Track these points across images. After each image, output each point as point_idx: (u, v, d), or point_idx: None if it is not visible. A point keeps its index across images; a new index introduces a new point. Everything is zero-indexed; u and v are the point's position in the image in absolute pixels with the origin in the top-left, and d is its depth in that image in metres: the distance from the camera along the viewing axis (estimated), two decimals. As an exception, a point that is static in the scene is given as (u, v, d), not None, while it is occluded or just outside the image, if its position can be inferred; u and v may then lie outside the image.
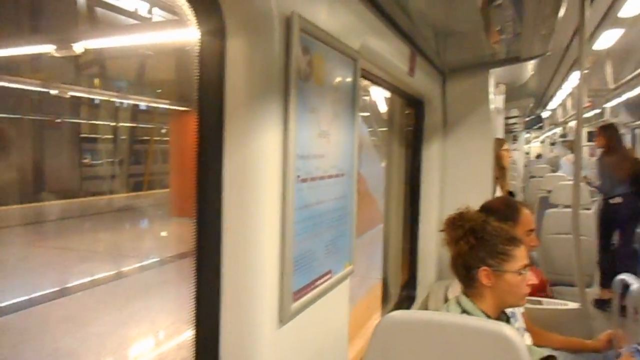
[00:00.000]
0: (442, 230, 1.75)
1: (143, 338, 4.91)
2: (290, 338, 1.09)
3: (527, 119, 8.88)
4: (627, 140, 9.82)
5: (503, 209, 2.20)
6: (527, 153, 16.89)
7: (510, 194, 4.25)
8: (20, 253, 8.43)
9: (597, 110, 9.28)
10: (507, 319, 1.82)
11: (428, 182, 2.68)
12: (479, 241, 1.69)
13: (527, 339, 2.16)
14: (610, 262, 4.41)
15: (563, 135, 12.30)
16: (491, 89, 2.75)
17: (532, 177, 8.34)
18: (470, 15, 2.08)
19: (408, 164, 2.74)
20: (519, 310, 2.14)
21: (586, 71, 5.15)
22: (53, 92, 9.94)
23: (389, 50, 1.64)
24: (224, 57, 0.95)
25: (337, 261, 1.32)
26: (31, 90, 11.06)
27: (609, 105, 8.30)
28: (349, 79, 1.31)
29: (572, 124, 11.41)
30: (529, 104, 7.31)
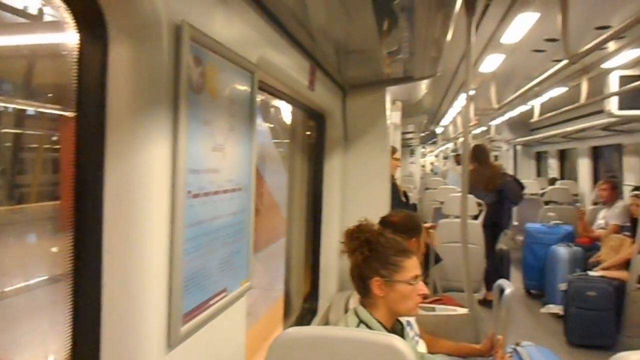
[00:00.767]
0: (342, 242, 1.80)
1: (27, 367, 4.44)
2: (181, 363, 1.03)
3: (423, 134, 9.43)
4: (510, 155, 10.77)
5: (401, 224, 2.30)
6: (423, 166, 17.89)
7: (414, 207, 4.50)
8: None
9: (484, 128, 10.07)
10: (402, 327, 1.88)
11: (330, 194, 2.72)
12: (373, 252, 1.75)
13: (422, 346, 2.24)
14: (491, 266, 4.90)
15: (454, 150, 13.21)
16: (388, 105, 2.86)
17: (427, 189, 8.82)
18: (368, 35, 2.15)
19: (311, 176, 2.77)
20: (414, 318, 2.23)
21: (472, 92, 5.57)
22: None
23: (288, 64, 1.64)
24: (106, 64, 0.89)
25: (233, 278, 1.28)
26: None
27: (493, 123, 9.04)
28: (246, 92, 1.28)
29: (461, 140, 12.30)
30: (423, 120, 7.75)
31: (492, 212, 5.09)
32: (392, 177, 3.84)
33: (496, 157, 11.67)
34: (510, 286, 2.76)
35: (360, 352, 1.13)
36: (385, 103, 2.78)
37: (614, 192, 5.80)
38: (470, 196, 4.86)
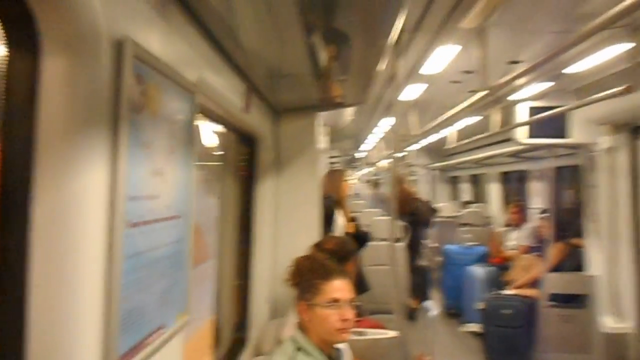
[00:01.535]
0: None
1: None
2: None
3: (347, 158, 9.66)
4: (426, 179, 11.25)
5: (336, 250, 2.30)
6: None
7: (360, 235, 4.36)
8: None
9: (404, 153, 10.47)
10: (338, 354, 1.86)
11: (262, 219, 2.67)
12: (301, 277, 1.76)
13: (355, 373, 2.23)
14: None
15: (375, 174, 13.60)
16: (319, 130, 2.88)
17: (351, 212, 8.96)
18: (300, 60, 2.16)
19: (242, 200, 2.70)
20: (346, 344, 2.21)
21: (394, 119, 5.78)
22: None
23: (225, 85, 1.60)
24: (38, 78, 0.79)
25: (171, 313, 1.19)
26: None
27: (411, 148, 9.43)
28: (185, 113, 1.22)
29: (381, 164, 12.70)
30: (348, 145, 7.93)
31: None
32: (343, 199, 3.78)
33: (413, 181, 12.16)
34: (436, 308, 2.85)
35: None
36: (316, 128, 2.79)
37: (523, 214, 6.23)
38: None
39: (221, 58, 1.52)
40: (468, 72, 3.75)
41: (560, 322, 4.63)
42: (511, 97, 4.35)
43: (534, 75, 3.00)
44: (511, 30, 2.93)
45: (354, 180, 21.51)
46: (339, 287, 1.71)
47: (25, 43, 0.78)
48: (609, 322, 4.42)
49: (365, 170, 15.20)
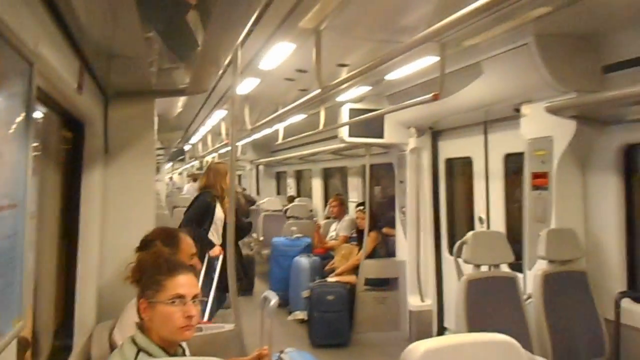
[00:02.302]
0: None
1: None
2: None
3: (173, 150, 9.27)
4: (253, 174, 11.41)
5: (163, 238, 2.21)
6: (168, 184, 17.49)
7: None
8: None
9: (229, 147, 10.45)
10: (183, 351, 1.80)
11: (88, 214, 2.41)
12: (142, 274, 1.67)
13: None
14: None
15: (200, 168, 13.30)
16: (155, 118, 2.73)
17: (175, 207, 8.66)
18: (134, 41, 2.02)
19: (66, 192, 2.41)
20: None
21: (226, 112, 5.75)
22: None
23: (61, 61, 1.41)
24: None
25: (4, 319, 1.02)
26: None
27: (240, 143, 9.47)
28: (23, 86, 1.05)
29: (209, 158, 12.48)
30: (178, 137, 7.62)
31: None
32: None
33: (239, 176, 12.22)
34: (275, 297, 2.92)
35: None
36: (153, 116, 2.64)
37: (342, 207, 6.74)
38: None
39: (58, 28, 1.34)
40: (301, 70, 3.91)
41: (374, 303, 5.15)
42: (338, 98, 4.67)
43: (360, 79, 3.26)
44: (341, 35, 3.13)
45: (177, 174, 20.82)
46: (184, 283, 1.62)
47: None
48: (414, 301, 5.06)
49: (191, 164, 14.81)
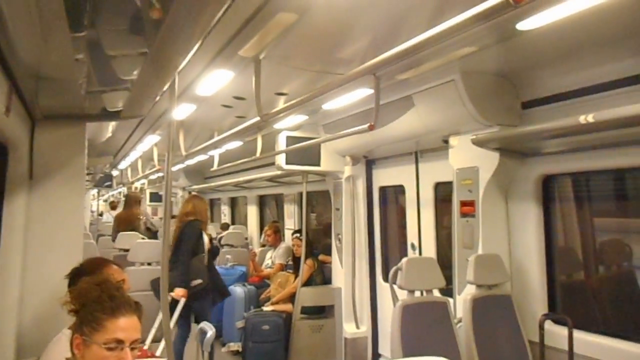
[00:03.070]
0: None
1: None
2: None
3: (100, 176, 8.86)
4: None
5: (92, 268, 2.12)
6: (93, 211, 16.63)
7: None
8: None
9: (161, 174, 10.16)
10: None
11: (10, 243, 2.25)
12: (82, 307, 1.56)
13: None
14: None
15: (125, 196, 12.79)
16: (85, 142, 2.61)
17: (101, 235, 8.28)
18: (65, 62, 1.95)
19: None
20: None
21: (159, 137, 5.61)
22: None
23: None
24: None
25: None
26: None
27: (173, 169, 9.24)
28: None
29: (138, 184, 12.04)
30: (106, 162, 7.31)
31: None
32: None
33: (172, 202, 11.85)
34: (212, 329, 2.85)
35: None
36: (84, 140, 2.53)
37: (278, 235, 6.72)
38: (159, 242, 4.81)
39: None
40: (239, 98, 3.92)
41: (310, 332, 5.13)
42: (275, 126, 4.70)
43: (298, 108, 3.32)
44: (279, 64, 3.19)
45: (102, 201, 19.87)
46: (125, 326, 1.52)
47: None
48: (349, 329, 5.08)
49: (118, 190, 14.22)
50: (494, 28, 2.35)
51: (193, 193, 7.59)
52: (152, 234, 7.44)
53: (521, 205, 3.42)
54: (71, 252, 2.46)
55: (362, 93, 3.48)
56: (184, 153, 5.05)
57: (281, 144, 4.98)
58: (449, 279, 3.49)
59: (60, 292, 2.11)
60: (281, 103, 3.97)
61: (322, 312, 5.22)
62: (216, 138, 4.72)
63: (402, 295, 3.28)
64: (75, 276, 2.08)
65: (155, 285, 4.09)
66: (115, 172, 9.68)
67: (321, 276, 5.43)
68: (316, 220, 7.35)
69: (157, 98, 2.48)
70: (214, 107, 4.23)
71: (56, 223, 2.45)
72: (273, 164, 5.49)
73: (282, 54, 2.97)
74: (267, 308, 5.23)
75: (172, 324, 3.90)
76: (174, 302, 4.03)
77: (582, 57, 2.71)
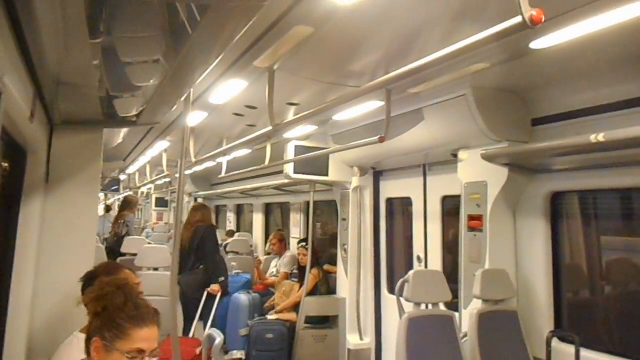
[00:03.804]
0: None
1: None
2: None
3: (107, 180, 8.94)
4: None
5: (106, 273, 2.14)
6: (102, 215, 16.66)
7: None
8: None
9: (168, 179, 10.21)
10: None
11: (25, 245, 2.28)
12: (103, 309, 1.58)
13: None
14: None
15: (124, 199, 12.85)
16: (102, 148, 2.66)
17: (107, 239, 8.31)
18: (84, 68, 2.00)
19: (1, 223, 2.27)
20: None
21: (168, 144, 5.66)
22: None
23: (18, 87, 1.37)
24: None
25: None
26: None
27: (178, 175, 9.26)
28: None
29: (144, 189, 12.11)
30: (116, 167, 7.37)
31: None
32: None
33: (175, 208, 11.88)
34: (220, 336, 2.87)
35: None
36: (101, 146, 2.57)
37: (283, 244, 6.73)
38: (166, 247, 4.84)
39: (20, 54, 1.30)
40: (250, 107, 3.96)
41: (314, 342, 5.12)
42: (285, 135, 4.74)
43: (310, 119, 3.36)
44: (292, 75, 3.23)
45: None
46: (148, 337, 1.55)
47: None
48: (353, 340, 5.08)
49: (124, 195, 14.28)
50: (507, 46, 2.39)
51: (199, 201, 7.66)
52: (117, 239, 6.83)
53: (529, 221, 3.43)
54: (84, 255, 2.49)
55: (372, 105, 3.52)
56: (193, 159, 5.10)
57: (290, 153, 5.01)
58: (454, 292, 3.49)
59: (72, 295, 2.15)
60: (292, 113, 4.02)
61: (326, 322, 5.22)
62: (227, 146, 4.76)
63: (408, 307, 3.29)
64: (89, 280, 2.11)
65: (184, 285, 4.78)
66: (123, 177, 9.73)
67: (326, 286, 5.44)
68: (321, 229, 7.36)
69: (174, 108, 2.53)
70: (225, 115, 4.28)
71: (70, 227, 2.48)
72: (280, 172, 5.53)
73: (296, 65, 3.01)
74: (271, 317, 5.23)
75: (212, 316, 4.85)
76: (209, 298, 4.89)
77: (594, 76, 2.74)
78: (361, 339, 5.07)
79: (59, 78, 2.25)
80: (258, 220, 8.72)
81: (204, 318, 4.88)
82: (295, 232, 7.22)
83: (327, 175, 5.19)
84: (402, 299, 3.36)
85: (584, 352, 2.84)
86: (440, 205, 4.40)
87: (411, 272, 3.27)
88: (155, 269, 4.49)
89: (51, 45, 1.72)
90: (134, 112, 2.62)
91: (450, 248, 4.29)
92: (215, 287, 4.93)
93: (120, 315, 1.55)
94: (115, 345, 1.51)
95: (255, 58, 2.75)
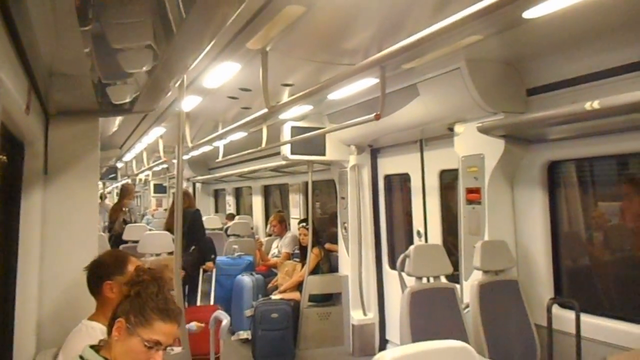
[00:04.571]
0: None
1: None
2: None
3: (105, 168, 8.93)
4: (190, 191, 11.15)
5: (112, 262, 2.16)
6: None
7: None
8: None
9: (165, 165, 10.20)
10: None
11: (27, 237, 2.29)
12: (136, 295, 1.63)
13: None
14: None
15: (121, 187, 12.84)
16: (98, 137, 2.65)
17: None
18: (76, 57, 1.98)
19: (3, 217, 2.27)
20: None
21: (164, 130, 5.64)
22: None
23: (13, 80, 1.37)
24: None
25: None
26: None
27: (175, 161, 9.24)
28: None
29: (142, 175, 12.09)
30: (113, 155, 7.36)
31: None
32: None
33: (173, 194, 11.89)
34: (227, 317, 2.91)
35: None
36: (97, 135, 2.57)
37: (283, 224, 6.77)
38: (167, 233, 4.87)
39: (14, 47, 1.30)
40: (245, 89, 3.94)
41: (318, 319, 5.20)
42: (281, 117, 4.73)
43: (305, 99, 3.35)
44: (285, 56, 3.21)
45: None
46: (168, 332, 1.60)
47: None
48: (357, 316, 5.16)
49: (122, 182, 14.27)
50: (500, 17, 2.37)
51: (184, 187, 7.76)
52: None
53: (527, 192, 3.46)
54: (87, 244, 2.51)
55: (367, 83, 3.50)
56: (190, 144, 5.09)
57: (286, 134, 5.01)
58: (454, 265, 3.54)
59: (77, 284, 2.17)
60: (286, 94, 4.00)
61: (329, 299, 5.29)
62: (223, 130, 4.75)
63: (410, 282, 3.33)
64: (95, 268, 2.12)
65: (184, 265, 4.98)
66: (120, 164, 9.72)
67: (328, 264, 5.49)
68: (321, 209, 7.40)
69: (169, 93, 2.52)
70: (219, 99, 4.26)
71: (71, 217, 2.50)
72: (278, 154, 5.53)
73: (289, 45, 2.98)
74: (275, 296, 5.29)
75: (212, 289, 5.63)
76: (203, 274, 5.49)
77: (588, 44, 2.73)
78: (365, 314, 5.15)
79: (52, 68, 2.24)
80: (257, 202, 8.75)
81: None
82: (295, 212, 7.25)
83: (324, 154, 5.20)
84: (403, 274, 3.41)
85: (584, 317, 2.89)
86: (438, 180, 4.42)
87: (412, 247, 3.30)
88: (158, 255, 4.52)
89: (43, 36, 1.70)
90: (128, 99, 2.61)
91: (450, 221, 4.32)
92: (209, 264, 5.54)
93: (150, 305, 1.59)
94: (137, 331, 1.56)
95: (248, 40, 2.73)
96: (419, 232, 4.62)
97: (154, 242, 4.59)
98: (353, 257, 5.20)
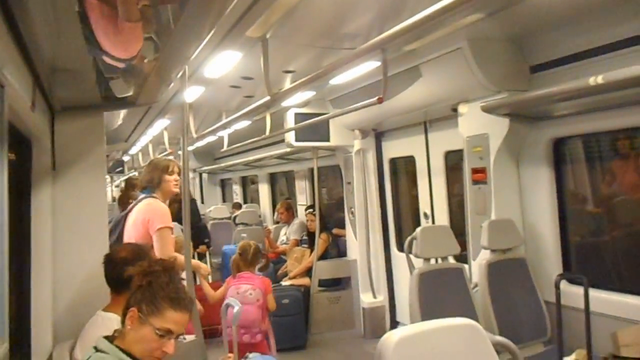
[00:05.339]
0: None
1: None
2: None
3: (111, 162, 8.97)
4: (196, 183, 11.21)
5: (132, 257, 2.18)
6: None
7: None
8: None
9: (171, 157, 10.22)
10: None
11: (39, 233, 2.33)
12: (148, 285, 1.66)
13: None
14: None
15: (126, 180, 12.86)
16: (103, 131, 2.67)
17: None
18: (78, 52, 1.99)
19: (14, 213, 2.31)
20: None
21: (169, 121, 5.65)
22: None
23: (18, 78, 1.38)
24: None
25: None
26: None
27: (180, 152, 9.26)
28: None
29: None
30: (121, 148, 7.39)
31: None
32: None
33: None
34: (238, 304, 2.95)
35: None
36: (103, 129, 2.59)
37: (290, 212, 6.80)
38: (175, 223, 4.90)
39: (17, 45, 1.31)
40: (247, 78, 3.94)
41: (329, 304, 5.25)
42: (283, 104, 4.72)
43: (307, 85, 3.34)
44: (286, 42, 3.20)
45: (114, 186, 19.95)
46: (179, 321, 1.64)
47: None
48: (366, 299, 5.20)
49: (129, 175, 14.30)
50: (501, -6, 2.35)
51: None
52: None
53: (533, 169, 3.45)
54: (98, 237, 2.55)
55: (369, 66, 3.48)
56: (194, 135, 5.10)
57: (290, 121, 5.01)
58: (462, 245, 3.55)
59: (90, 277, 2.21)
60: (288, 80, 3.99)
61: (339, 283, 5.34)
62: (226, 119, 4.75)
63: (418, 263, 3.36)
64: (110, 262, 2.14)
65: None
66: (126, 158, 9.76)
67: (336, 249, 5.53)
68: (327, 194, 7.42)
69: (171, 85, 2.52)
70: (222, 88, 4.26)
71: (81, 212, 2.53)
72: (282, 141, 5.53)
73: (289, 32, 2.97)
74: (285, 283, 5.34)
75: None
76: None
77: (590, 18, 2.70)
78: (374, 297, 5.19)
79: (54, 65, 2.25)
80: (264, 190, 8.78)
81: None
82: (302, 199, 7.28)
83: (328, 140, 5.20)
84: (411, 256, 3.43)
85: (593, 292, 2.90)
86: (443, 161, 4.42)
87: (419, 229, 3.32)
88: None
89: (44, 32, 1.71)
90: (131, 92, 2.62)
91: (456, 202, 4.33)
92: (203, 248, 6.20)
93: (161, 294, 1.63)
94: (149, 320, 1.59)
95: (248, 28, 2.71)
96: (425, 214, 4.64)
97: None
98: (361, 241, 5.22)
